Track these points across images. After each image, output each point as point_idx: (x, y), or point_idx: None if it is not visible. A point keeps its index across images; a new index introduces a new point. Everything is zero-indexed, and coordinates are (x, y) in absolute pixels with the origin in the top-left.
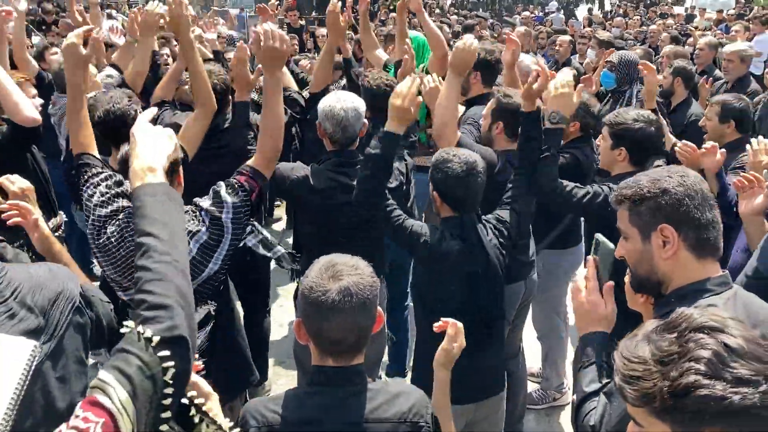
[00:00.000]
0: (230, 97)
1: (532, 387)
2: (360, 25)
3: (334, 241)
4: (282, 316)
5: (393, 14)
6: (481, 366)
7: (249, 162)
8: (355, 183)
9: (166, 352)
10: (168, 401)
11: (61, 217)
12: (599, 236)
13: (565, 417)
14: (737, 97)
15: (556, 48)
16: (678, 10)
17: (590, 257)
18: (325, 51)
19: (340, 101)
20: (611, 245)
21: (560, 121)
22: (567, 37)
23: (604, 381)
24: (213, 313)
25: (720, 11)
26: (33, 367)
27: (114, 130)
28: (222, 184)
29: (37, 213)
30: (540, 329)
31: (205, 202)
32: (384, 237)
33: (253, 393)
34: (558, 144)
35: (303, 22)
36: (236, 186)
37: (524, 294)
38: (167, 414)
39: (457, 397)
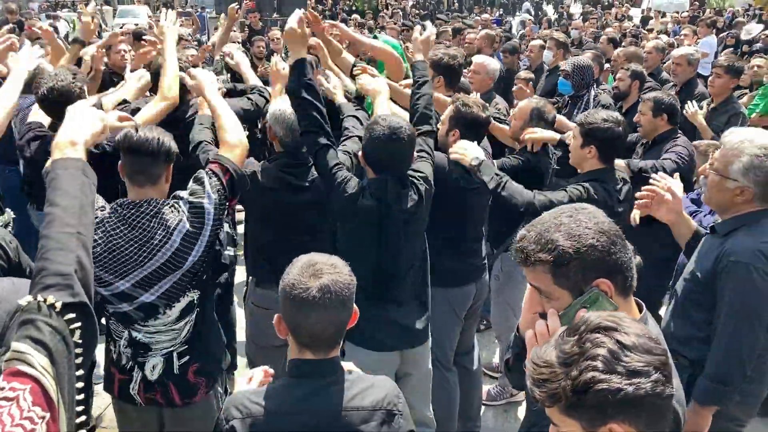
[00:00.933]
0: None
1: (490, 384)
2: (321, 39)
3: (288, 245)
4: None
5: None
6: (392, 319)
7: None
8: (302, 184)
9: (72, 315)
10: (80, 360)
11: (9, 214)
12: (600, 293)
13: (522, 412)
14: (666, 93)
15: (527, 53)
16: (635, 12)
17: (579, 311)
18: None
19: (290, 105)
20: (613, 305)
21: (481, 166)
22: (538, 42)
23: None
24: (196, 302)
25: (676, 13)
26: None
27: (58, 106)
28: (203, 172)
29: None
30: (498, 329)
31: (184, 193)
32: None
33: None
34: (495, 170)
35: (261, 24)
36: (210, 173)
37: (475, 295)
38: (80, 372)
39: (378, 343)
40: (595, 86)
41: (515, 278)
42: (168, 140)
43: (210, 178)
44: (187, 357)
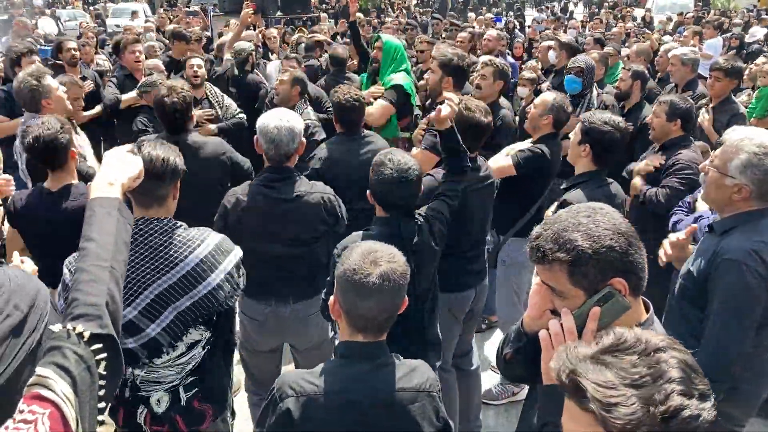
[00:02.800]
0: (192, 112)
1: (492, 383)
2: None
3: (270, 257)
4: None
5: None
6: None
7: None
8: (283, 197)
9: (98, 345)
10: (102, 392)
11: None
12: (614, 291)
13: None
14: (682, 98)
15: (536, 54)
16: (638, 13)
17: (593, 308)
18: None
19: (275, 119)
20: (626, 303)
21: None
22: (547, 43)
23: None
24: (204, 341)
25: (680, 14)
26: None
27: (44, 155)
28: None
29: None
30: (501, 316)
31: None
32: (325, 257)
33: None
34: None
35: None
36: None
37: (474, 300)
38: (103, 404)
39: None
40: (597, 86)
41: (522, 264)
42: (173, 157)
43: None
44: (195, 389)
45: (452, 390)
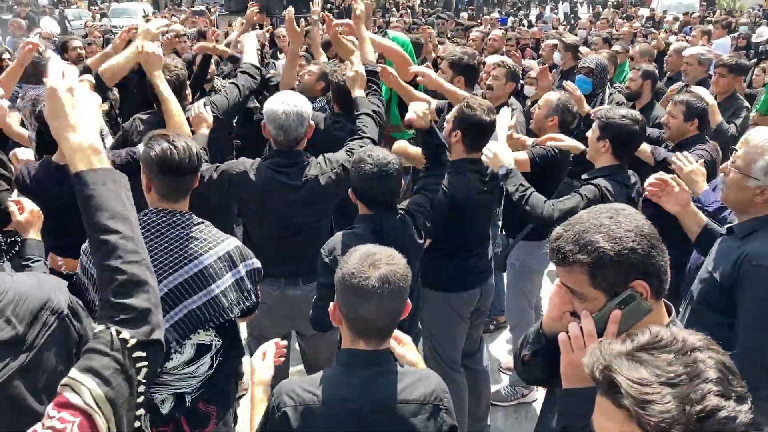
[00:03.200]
0: (187, 90)
1: (501, 384)
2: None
3: (280, 244)
4: None
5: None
6: None
7: None
8: (295, 183)
9: (142, 354)
10: (141, 399)
11: None
12: (635, 294)
13: (532, 413)
14: (697, 97)
15: (541, 53)
16: (644, 12)
17: (614, 311)
18: (288, 57)
19: (283, 104)
20: (647, 306)
21: (507, 171)
22: (551, 42)
23: None
24: (215, 348)
25: (686, 14)
26: None
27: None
28: None
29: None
30: (512, 319)
31: None
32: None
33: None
34: (521, 178)
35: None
36: None
37: (480, 299)
38: (141, 411)
39: None
40: (609, 85)
41: (531, 267)
42: (197, 148)
43: None
44: (201, 390)
45: (462, 391)
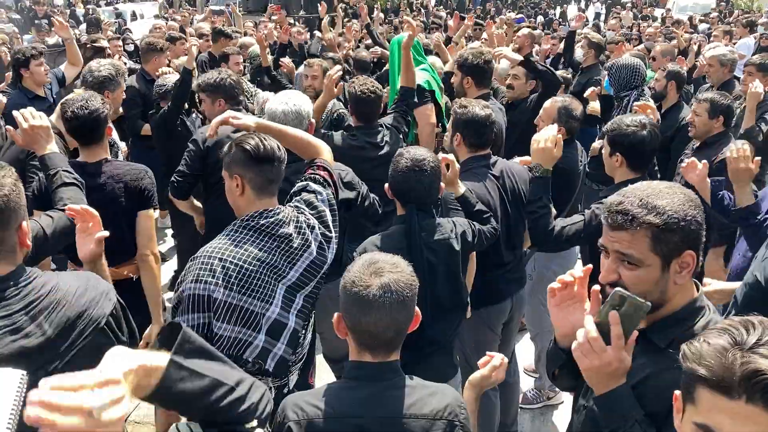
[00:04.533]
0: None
1: (527, 386)
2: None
3: None
4: None
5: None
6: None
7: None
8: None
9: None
10: None
11: None
12: (621, 291)
13: (559, 416)
14: (722, 94)
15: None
16: (658, 12)
17: (611, 312)
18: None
19: (283, 103)
20: (641, 301)
21: (542, 173)
22: (526, 31)
23: None
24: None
25: (706, 14)
26: (24, 396)
27: (86, 127)
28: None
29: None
30: (533, 329)
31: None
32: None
33: None
34: (546, 191)
35: (291, 20)
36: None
37: (511, 311)
38: None
39: None
40: (636, 90)
41: (547, 278)
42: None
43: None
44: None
45: (492, 405)
